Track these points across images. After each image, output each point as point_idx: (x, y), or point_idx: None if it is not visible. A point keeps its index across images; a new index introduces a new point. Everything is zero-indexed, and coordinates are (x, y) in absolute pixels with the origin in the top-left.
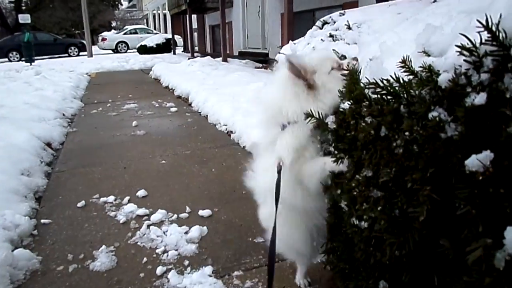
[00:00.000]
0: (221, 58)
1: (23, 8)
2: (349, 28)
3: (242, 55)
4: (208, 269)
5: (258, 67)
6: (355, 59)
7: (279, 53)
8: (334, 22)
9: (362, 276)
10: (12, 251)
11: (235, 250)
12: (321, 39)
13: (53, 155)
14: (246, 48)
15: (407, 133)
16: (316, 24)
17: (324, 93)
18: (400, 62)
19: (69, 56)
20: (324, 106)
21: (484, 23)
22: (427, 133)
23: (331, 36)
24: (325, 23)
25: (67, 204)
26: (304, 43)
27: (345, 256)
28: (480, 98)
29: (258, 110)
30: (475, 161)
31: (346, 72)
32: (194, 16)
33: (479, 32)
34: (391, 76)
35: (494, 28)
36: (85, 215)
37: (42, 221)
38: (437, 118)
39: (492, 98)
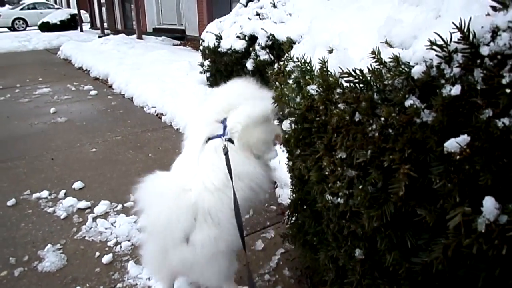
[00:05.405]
0: (135, 36)
1: None
2: (274, 6)
3: (157, 32)
4: None
5: (176, 45)
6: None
7: (206, 32)
8: (258, 0)
9: (332, 247)
10: None
11: None
12: (248, 18)
13: None
14: (161, 24)
15: (382, 119)
16: (240, 1)
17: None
18: (370, 53)
19: None
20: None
21: (458, 25)
22: (404, 119)
23: (257, 14)
24: (249, 0)
25: None
26: (230, 21)
27: (313, 229)
28: (455, 90)
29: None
30: (454, 143)
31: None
32: None
33: (451, 33)
34: (367, 67)
35: (465, 30)
36: (18, 214)
37: None
38: (414, 106)
39: (464, 89)
